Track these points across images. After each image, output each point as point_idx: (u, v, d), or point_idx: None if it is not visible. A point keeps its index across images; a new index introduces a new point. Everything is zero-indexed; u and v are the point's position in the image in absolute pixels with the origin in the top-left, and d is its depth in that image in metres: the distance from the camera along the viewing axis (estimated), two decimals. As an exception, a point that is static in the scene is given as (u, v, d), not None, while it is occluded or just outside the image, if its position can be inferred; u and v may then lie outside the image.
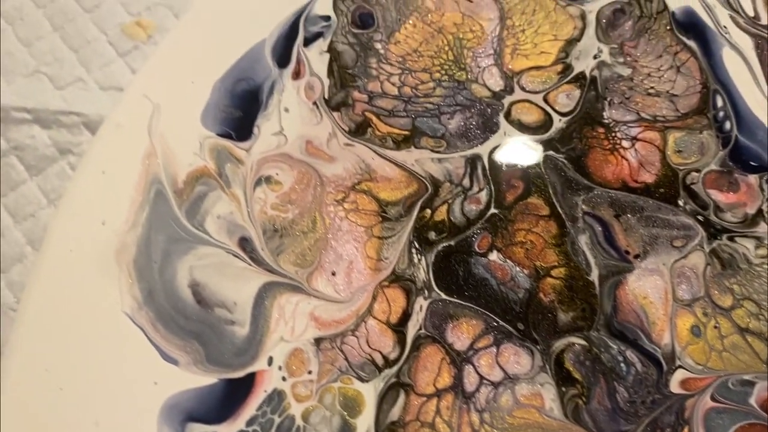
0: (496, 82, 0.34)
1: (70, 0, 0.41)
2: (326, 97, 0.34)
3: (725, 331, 0.30)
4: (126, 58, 0.40)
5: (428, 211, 0.32)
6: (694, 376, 0.30)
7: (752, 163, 0.32)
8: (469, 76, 0.34)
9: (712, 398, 0.29)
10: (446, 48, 0.34)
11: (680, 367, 0.30)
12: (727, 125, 0.32)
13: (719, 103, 0.33)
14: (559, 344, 0.30)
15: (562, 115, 0.33)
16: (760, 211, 0.31)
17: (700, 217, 0.31)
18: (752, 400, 0.29)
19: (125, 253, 0.32)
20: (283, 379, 0.30)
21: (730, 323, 0.30)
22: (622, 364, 0.29)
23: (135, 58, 0.40)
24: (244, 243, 0.32)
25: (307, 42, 0.35)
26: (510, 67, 0.34)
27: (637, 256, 0.31)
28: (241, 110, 0.34)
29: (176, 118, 0.35)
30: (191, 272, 0.32)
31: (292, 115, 0.34)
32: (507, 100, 0.33)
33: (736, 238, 0.31)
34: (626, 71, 0.33)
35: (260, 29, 0.36)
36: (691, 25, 0.34)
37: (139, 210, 0.33)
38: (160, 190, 0.33)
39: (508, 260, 0.31)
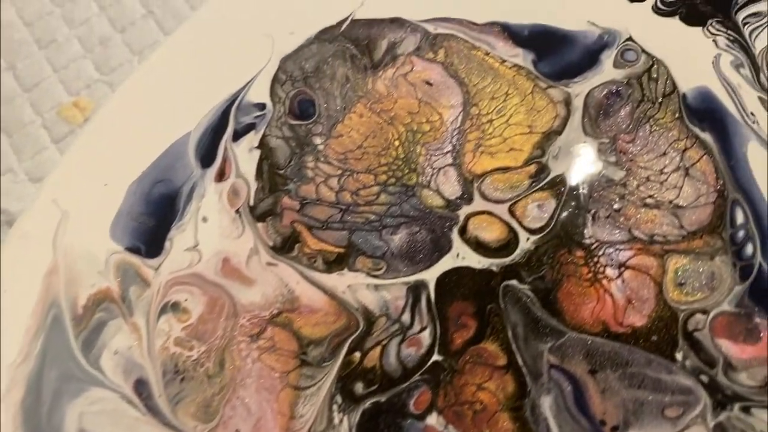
0: (451, 188, 0.27)
1: (10, 78, 0.36)
2: (251, 203, 0.28)
3: None
4: (60, 144, 0.36)
5: (357, 354, 0.26)
6: None
7: None
8: (420, 180, 0.28)
9: None
10: (396, 143, 0.28)
11: None
12: (749, 249, 0.25)
13: (739, 218, 0.25)
14: None
15: (531, 232, 0.26)
16: None
17: (703, 378, 0.24)
18: None
19: (14, 392, 0.27)
20: None
21: None
22: None
23: (68, 144, 0.35)
24: (140, 386, 0.27)
25: (237, 136, 0.30)
26: (471, 168, 0.28)
27: (615, 429, 0.24)
28: (155, 219, 0.29)
29: (84, 228, 0.31)
30: (80, 420, 0.27)
31: (211, 225, 0.29)
32: (464, 212, 0.27)
33: (753, 410, 0.23)
34: (618, 174, 0.27)
35: (186, 120, 0.30)
36: (707, 112, 0.27)
37: (33, 339, 0.29)
38: (57, 316, 0.29)
39: (450, 427, 0.24)
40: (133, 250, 0.33)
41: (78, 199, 0.34)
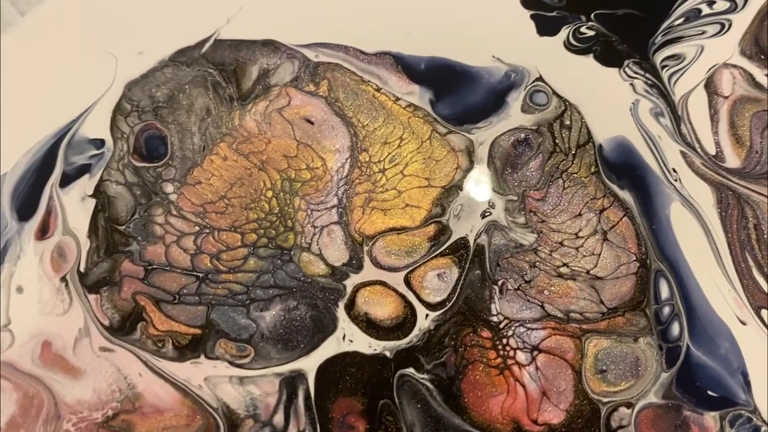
0: (337, 252, 0.22)
1: None
2: (82, 269, 0.21)
3: None
4: None
5: None
6: None
7: (710, 393, 0.20)
8: (299, 241, 0.22)
9: None
10: (269, 194, 0.22)
11: None
12: (675, 329, 0.22)
13: (664, 292, 0.22)
14: None
15: (431, 307, 0.22)
16: None
17: None
18: None
19: None
20: None
21: None
22: None
23: None
24: None
25: (67, 180, 0.23)
26: (360, 227, 0.22)
27: None
28: None
29: None
30: None
31: (28, 297, 0.23)
32: (351, 282, 0.22)
33: None
34: (528, 238, 0.22)
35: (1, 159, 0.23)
36: (626, 167, 0.23)
37: None
38: None
39: None
40: None
41: None
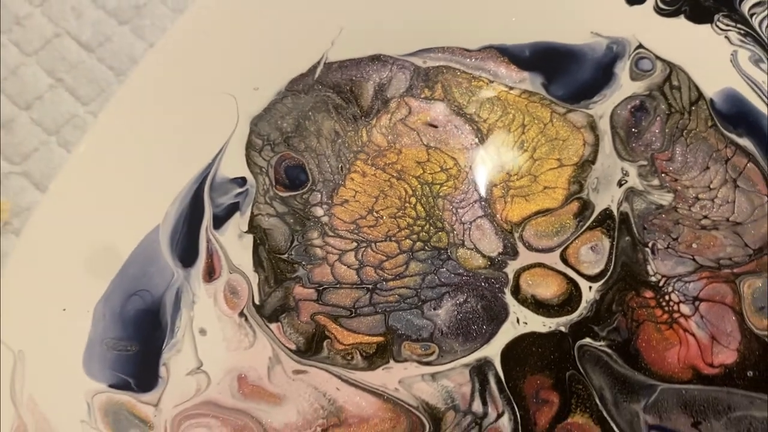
0: (490, 243, 0.24)
1: None
2: (257, 302, 0.24)
3: None
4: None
5: None
6: None
7: None
8: (451, 239, 0.24)
9: None
10: (413, 200, 0.25)
11: None
12: None
13: None
14: None
15: (592, 279, 0.24)
16: None
17: None
18: None
19: None
20: None
21: None
22: None
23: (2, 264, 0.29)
24: None
25: (219, 222, 0.26)
26: (506, 216, 0.24)
27: None
28: (138, 342, 0.23)
29: (49, 369, 0.24)
30: None
31: (213, 338, 0.25)
32: (511, 268, 0.24)
33: None
34: (666, 198, 0.24)
35: (149, 214, 0.25)
36: (740, 116, 0.26)
37: None
38: (39, 488, 0.23)
39: None
40: (120, 386, 0.28)
41: (32, 333, 0.28)
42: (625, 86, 0.30)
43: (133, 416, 0.27)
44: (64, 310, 0.29)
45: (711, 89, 0.30)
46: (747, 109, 0.30)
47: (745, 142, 0.30)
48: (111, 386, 0.27)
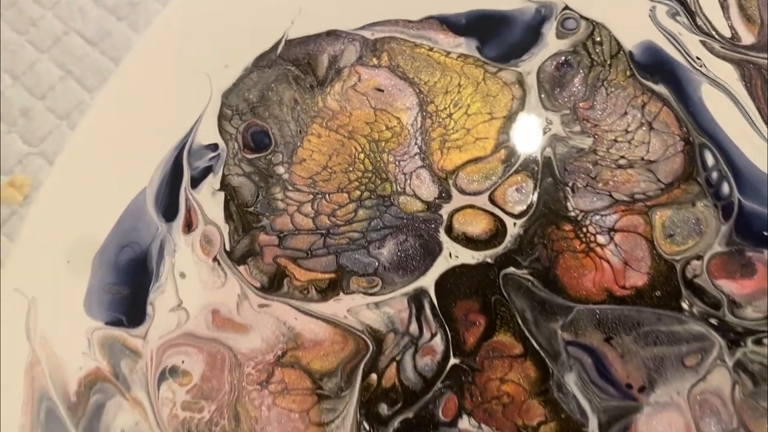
0: (428, 190, 0.28)
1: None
2: (228, 248, 0.28)
3: None
4: (5, 227, 0.34)
5: (373, 376, 0.26)
6: None
7: (766, 233, 0.26)
8: (394, 188, 0.28)
9: None
10: (361, 156, 0.29)
11: None
12: (725, 188, 0.27)
13: (710, 160, 0.27)
14: None
15: (517, 216, 0.27)
16: None
17: (713, 321, 0.25)
18: None
19: None
20: None
21: None
22: None
23: (14, 226, 0.34)
24: None
25: (195, 182, 0.30)
26: (442, 165, 0.28)
27: (642, 389, 0.25)
28: (129, 286, 0.28)
29: (56, 311, 0.30)
30: None
31: (191, 280, 0.29)
32: (446, 210, 0.28)
33: (765, 340, 0.25)
34: (586, 142, 0.28)
35: (136, 178, 0.30)
36: (656, 65, 0.29)
37: None
38: (51, 408, 0.29)
39: (483, 425, 0.25)
40: (114, 323, 0.33)
41: (42, 282, 0.34)
42: (551, 44, 0.34)
43: (125, 347, 0.32)
44: (68, 262, 0.34)
45: (630, 42, 0.34)
46: (663, 59, 0.33)
47: (660, 88, 0.33)
48: (107, 323, 0.33)
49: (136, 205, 0.34)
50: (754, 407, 0.28)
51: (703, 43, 0.33)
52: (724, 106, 0.32)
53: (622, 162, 0.32)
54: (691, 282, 0.30)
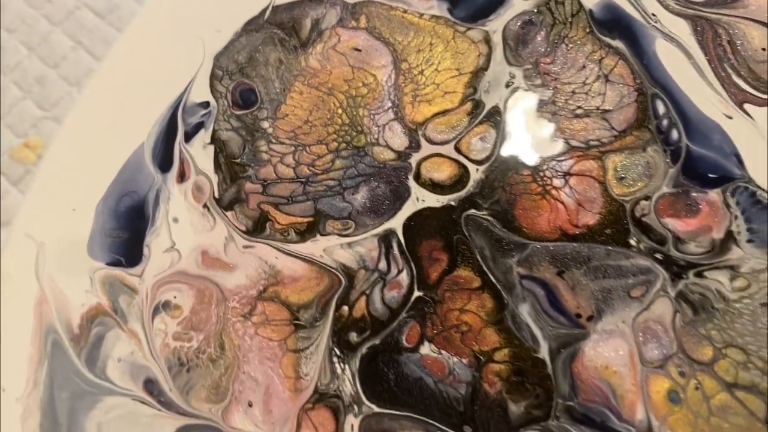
0: (399, 140, 0.31)
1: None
2: (216, 196, 0.31)
3: (709, 390, 0.26)
4: (19, 185, 0.38)
5: (345, 308, 0.29)
6: (680, 452, 0.26)
7: (711, 175, 0.29)
8: (368, 139, 0.31)
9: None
10: (339, 111, 0.31)
11: None
12: (675, 134, 0.29)
13: (661, 109, 0.29)
14: None
15: (479, 163, 0.30)
16: (729, 234, 0.27)
17: (658, 256, 0.28)
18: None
19: (30, 420, 0.30)
20: None
21: (713, 380, 0.26)
22: (592, 453, 0.26)
23: (27, 184, 0.38)
24: (150, 386, 0.30)
25: (188, 137, 0.33)
26: (413, 118, 0.31)
27: (590, 318, 0.27)
28: (127, 231, 0.32)
29: (63, 254, 0.33)
30: (100, 430, 0.29)
31: (183, 224, 0.32)
32: (415, 159, 0.30)
33: (706, 273, 0.27)
34: (546, 94, 0.30)
35: (136, 134, 0.33)
36: (613, 22, 0.31)
37: (38, 367, 0.32)
38: (56, 341, 0.32)
39: (442, 351, 0.28)
40: (114, 263, 0.36)
41: (50, 228, 0.37)
42: (516, 5, 0.37)
43: (123, 285, 0.36)
44: (74, 210, 0.37)
45: (591, 1, 0.36)
46: (621, 16, 0.35)
47: (617, 44, 0.35)
48: (108, 264, 0.36)
49: (135, 159, 0.38)
50: (693, 333, 0.30)
51: (659, 1, 0.35)
52: (677, 59, 0.34)
53: (579, 112, 0.34)
54: (640, 220, 0.32)
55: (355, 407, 0.32)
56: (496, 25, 0.36)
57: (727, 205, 0.32)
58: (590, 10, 0.36)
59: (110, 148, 0.38)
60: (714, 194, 0.32)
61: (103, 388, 0.34)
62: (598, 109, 0.34)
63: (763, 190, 0.32)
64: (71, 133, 0.39)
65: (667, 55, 0.34)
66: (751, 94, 0.33)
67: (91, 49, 0.45)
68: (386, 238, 0.34)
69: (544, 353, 0.31)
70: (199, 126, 0.38)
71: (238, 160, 0.37)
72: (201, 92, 0.38)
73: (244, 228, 0.36)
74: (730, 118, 0.33)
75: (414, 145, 0.35)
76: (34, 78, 0.45)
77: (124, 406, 0.34)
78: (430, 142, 0.35)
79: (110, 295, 0.36)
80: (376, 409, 0.32)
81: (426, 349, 0.32)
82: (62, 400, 0.34)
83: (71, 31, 0.45)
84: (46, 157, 0.39)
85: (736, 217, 0.31)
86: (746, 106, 0.33)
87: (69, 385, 0.35)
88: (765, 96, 0.33)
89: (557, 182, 0.33)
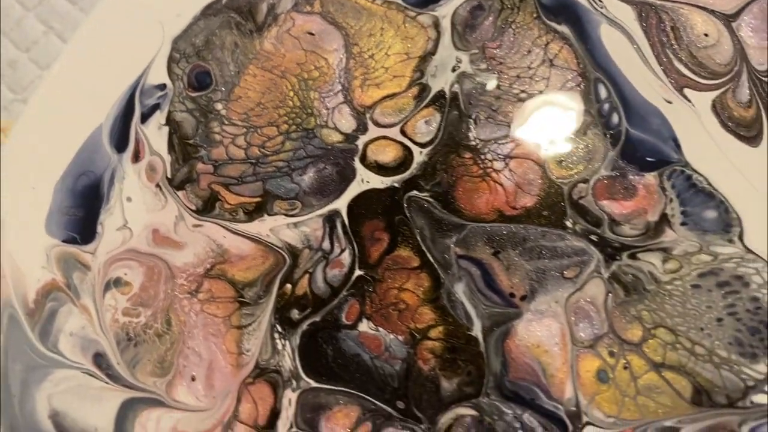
0: (347, 123, 0.31)
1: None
2: (169, 176, 0.32)
3: (637, 370, 0.27)
4: (-12, 165, 0.39)
5: (288, 286, 0.30)
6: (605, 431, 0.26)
7: (648, 159, 0.29)
8: (318, 122, 0.32)
9: (631, 453, 0.27)
10: (291, 94, 0.32)
11: (588, 423, 0.27)
12: (615, 118, 0.29)
13: (603, 93, 0.30)
14: (445, 419, 0.28)
15: (423, 146, 0.30)
16: (663, 216, 0.28)
17: (593, 237, 0.28)
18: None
19: None
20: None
21: (642, 360, 0.27)
22: None
23: (-5, 164, 0.39)
24: (99, 359, 0.31)
25: (145, 118, 0.34)
26: (361, 101, 0.31)
27: (524, 298, 0.28)
28: (83, 209, 0.32)
29: (22, 231, 0.34)
30: (50, 401, 0.31)
31: (136, 203, 0.33)
32: (361, 141, 0.31)
33: (639, 255, 0.28)
34: (491, 78, 0.30)
35: (96, 115, 0.34)
36: (560, 7, 0.32)
37: None
38: (12, 315, 0.33)
39: (380, 328, 0.29)
40: (69, 240, 0.37)
41: (11, 206, 0.38)
42: (466, -10, 0.37)
43: (77, 262, 0.37)
44: (34, 188, 0.38)
45: (539, -13, 0.36)
46: (567, 1, 0.36)
47: (563, 28, 0.35)
48: (63, 241, 0.37)
49: (94, 139, 0.39)
50: (624, 313, 0.31)
51: (605, -15, 0.35)
52: (621, 44, 0.34)
53: (522, 96, 0.35)
54: (576, 202, 0.33)
55: (294, 382, 0.33)
56: (445, 10, 0.37)
57: (663, 189, 0.32)
58: (538, -4, 0.36)
59: (71, 128, 0.39)
60: (651, 177, 0.32)
61: (54, 361, 0.35)
62: (541, 93, 0.35)
63: (699, 174, 0.32)
64: (34, 113, 0.40)
65: (611, 40, 0.35)
66: (691, 79, 0.33)
67: (61, 34, 0.46)
68: (331, 219, 0.35)
69: (477, 331, 0.32)
70: (155, 107, 0.38)
71: (191, 141, 0.38)
72: (158, 75, 0.39)
73: (194, 207, 0.36)
74: (670, 102, 0.33)
75: (361, 128, 0.36)
76: (6, 62, 0.46)
77: (74, 378, 0.35)
78: (377, 125, 0.36)
79: (65, 272, 0.37)
80: (313, 384, 0.33)
81: (364, 326, 0.33)
82: (15, 372, 0.35)
83: (44, 17, 0.46)
84: (10, 137, 0.40)
85: (671, 201, 0.32)
86: (686, 91, 0.33)
87: (23, 357, 0.36)
88: (705, 81, 0.33)
89: (498, 165, 0.34)
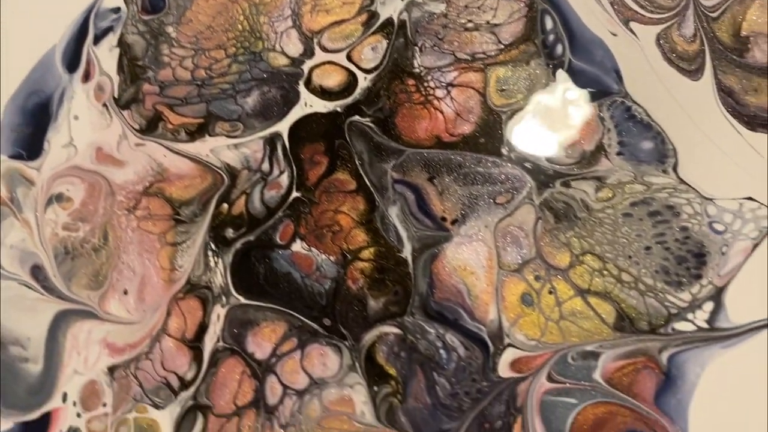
0: (294, 47, 0.31)
1: None
2: (116, 96, 0.32)
3: (563, 295, 0.27)
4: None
5: (225, 205, 0.30)
6: (526, 354, 0.27)
7: (590, 89, 0.28)
8: (265, 45, 0.32)
9: (549, 378, 0.26)
10: (241, 18, 0.32)
11: (510, 345, 0.27)
12: (559, 49, 0.29)
13: (549, 24, 0.30)
14: (369, 337, 0.28)
15: (367, 72, 0.30)
16: (600, 146, 0.27)
17: (528, 165, 0.28)
18: (597, 375, 0.26)
19: None
20: (78, 415, 0.34)
21: (568, 285, 0.27)
22: (442, 351, 0.27)
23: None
24: (36, 271, 0.31)
25: (97, 39, 0.34)
26: (310, 26, 0.31)
27: (455, 222, 0.28)
28: (32, 126, 0.32)
29: None
30: None
31: (82, 122, 0.33)
32: (307, 66, 0.31)
33: (572, 183, 0.28)
34: (439, 7, 0.31)
35: (50, 36, 0.34)
36: None
37: None
38: (-46, 229, 0.33)
39: (312, 249, 0.29)
40: (16, 156, 0.37)
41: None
42: None
43: (22, 177, 0.37)
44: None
45: None
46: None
47: (514, -40, 0.35)
48: (10, 157, 0.37)
49: (46, 59, 0.39)
50: (553, 240, 0.31)
51: None
52: (570, -25, 0.34)
53: (469, 25, 0.35)
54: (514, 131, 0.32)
55: (224, 298, 0.33)
56: (399, -61, 0.37)
57: (602, 119, 0.32)
58: (492, -72, 0.36)
59: (24, 49, 0.39)
60: (590, 107, 0.32)
61: (-8, 273, 0.35)
62: (488, 23, 0.34)
63: (639, 105, 0.32)
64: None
65: (561, -27, 0.34)
66: (638, 12, 0.33)
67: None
68: (272, 141, 0.35)
69: (407, 253, 0.32)
70: (108, 30, 0.39)
71: (140, 63, 0.38)
72: (113, -2, 0.39)
73: (137, 127, 0.36)
74: (615, 35, 0.33)
75: (308, 53, 0.36)
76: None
77: (11, 289, 0.35)
78: (324, 50, 0.36)
79: (10, 186, 0.37)
80: (243, 300, 0.33)
81: (297, 246, 0.33)
82: (-46, 284, 0.36)
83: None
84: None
85: (608, 131, 0.32)
86: (632, 24, 0.33)
87: (-38, 270, 0.36)
88: (651, 15, 0.33)
89: (439, 93, 0.34)
